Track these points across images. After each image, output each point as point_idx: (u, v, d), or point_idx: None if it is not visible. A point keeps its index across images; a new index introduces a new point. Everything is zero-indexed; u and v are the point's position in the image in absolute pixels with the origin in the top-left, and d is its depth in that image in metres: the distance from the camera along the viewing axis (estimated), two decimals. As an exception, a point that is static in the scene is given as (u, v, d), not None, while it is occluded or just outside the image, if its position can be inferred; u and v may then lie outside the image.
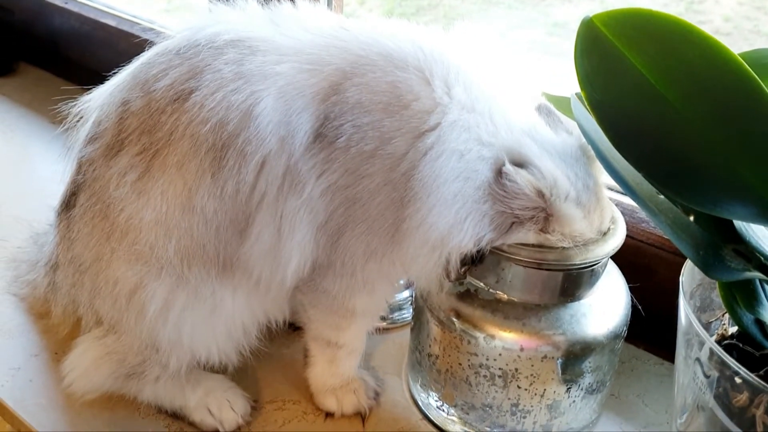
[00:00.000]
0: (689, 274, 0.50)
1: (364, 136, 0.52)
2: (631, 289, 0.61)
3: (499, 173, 0.51)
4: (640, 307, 0.60)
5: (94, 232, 0.58)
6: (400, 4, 1.65)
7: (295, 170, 0.53)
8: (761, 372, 0.46)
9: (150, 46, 0.60)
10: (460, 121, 0.52)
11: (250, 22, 0.56)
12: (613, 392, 0.67)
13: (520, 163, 0.52)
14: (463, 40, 0.57)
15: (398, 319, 0.75)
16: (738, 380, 0.42)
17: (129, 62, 0.61)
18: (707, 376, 0.45)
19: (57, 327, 0.71)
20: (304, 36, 0.55)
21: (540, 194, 0.51)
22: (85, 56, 1.19)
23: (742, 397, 0.42)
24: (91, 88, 0.62)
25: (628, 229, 0.59)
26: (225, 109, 0.52)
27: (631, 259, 0.66)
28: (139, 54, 0.60)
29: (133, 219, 0.55)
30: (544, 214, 0.52)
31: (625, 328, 0.59)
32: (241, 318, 0.60)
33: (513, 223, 0.52)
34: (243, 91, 0.52)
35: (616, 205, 0.60)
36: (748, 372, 0.41)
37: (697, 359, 0.46)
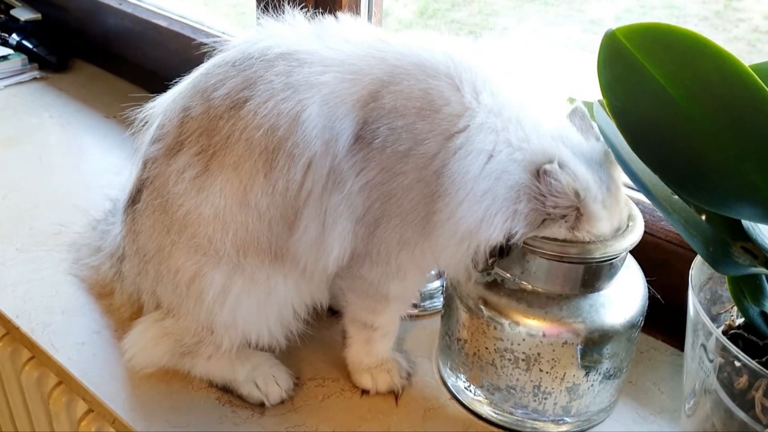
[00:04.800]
0: (699, 269, 0.53)
1: (398, 138, 0.56)
2: (650, 282, 0.63)
3: (537, 173, 0.54)
4: (658, 296, 0.63)
5: (156, 225, 0.63)
6: (435, 0, 1.66)
7: (337, 170, 0.57)
8: (764, 359, 0.49)
9: (206, 53, 0.64)
10: (487, 124, 0.55)
11: (297, 36, 0.60)
12: (631, 379, 0.70)
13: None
14: (491, 51, 0.60)
15: (429, 307, 0.79)
16: (738, 365, 0.46)
17: (179, 61, 0.65)
18: (711, 361, 0.48)
19: (118, 309, 0.75)
20: (346, 48, 0.59)
21: (576, 194, 0.54)
22: (138, 55, 1.22)
23: (742, 380, 0.46)
24: (142, 86, 0.66)
25: (647, 227, 0.62)
26: (276, 116, 0.56)
27: (650, 254, 0.69)
28: (188, 53, 0.65)
29: (191, 214, 0.60)
30: (576, 213, 0.55)
31: (641, 319, 0.62)
32: (292, 301, 0.64)
33: (544, 219, 0.56)
34: (291, 99, 0.56)
35: (636, 203, 0.63)
36: (748, 357, 0.45)
37: (702, 345, 0.49)
